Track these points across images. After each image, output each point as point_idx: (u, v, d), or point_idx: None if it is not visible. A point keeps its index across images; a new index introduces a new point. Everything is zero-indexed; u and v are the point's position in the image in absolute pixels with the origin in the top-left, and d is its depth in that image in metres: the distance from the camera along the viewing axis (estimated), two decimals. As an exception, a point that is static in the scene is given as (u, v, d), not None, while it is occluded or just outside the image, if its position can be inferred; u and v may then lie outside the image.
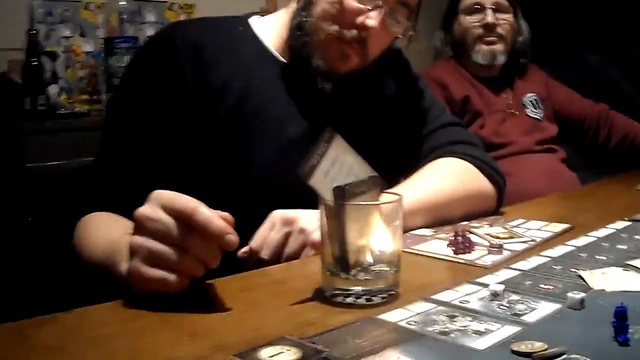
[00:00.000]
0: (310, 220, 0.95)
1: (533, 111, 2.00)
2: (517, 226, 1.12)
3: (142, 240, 0.70)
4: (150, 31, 2.58)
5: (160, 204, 0.70)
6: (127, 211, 1.00)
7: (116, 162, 1.06)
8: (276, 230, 0.96)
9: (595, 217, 1.20)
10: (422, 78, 1.37)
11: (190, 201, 0.69)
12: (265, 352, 0.55)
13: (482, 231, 1.06)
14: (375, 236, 0.71)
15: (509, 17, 1.97)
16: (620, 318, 0.59)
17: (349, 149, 0.73)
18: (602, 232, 1.06)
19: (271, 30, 1.21)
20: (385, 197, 0.74)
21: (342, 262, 0.71)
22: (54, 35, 2.34)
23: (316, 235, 0.92)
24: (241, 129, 1.10)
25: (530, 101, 2.02)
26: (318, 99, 1.16)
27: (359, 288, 0.71)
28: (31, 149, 1.63)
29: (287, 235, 0.95)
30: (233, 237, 0.68)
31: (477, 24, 1.94)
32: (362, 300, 0.71)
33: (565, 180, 1.88)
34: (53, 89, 2.25)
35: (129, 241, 0.73)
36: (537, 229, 1.09)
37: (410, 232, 1.07)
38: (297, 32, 1.13)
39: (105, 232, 0.93)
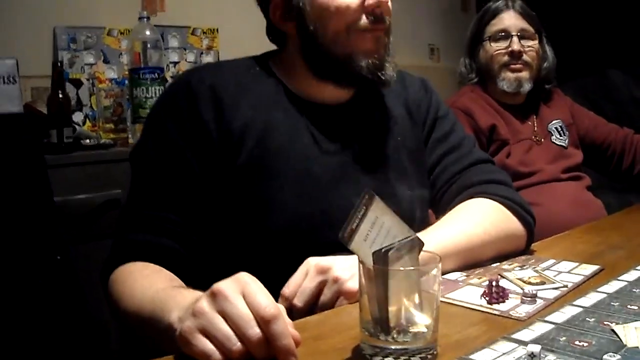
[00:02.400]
0: (344, 269, 0.96)
1: (558, 138, 2.00)
2: (548, 268, 1.12)
3: (208, 310, 0.71)
4: (174, 57, 2.61)
5: (243, 290, 0.71)
6: (160, 260, 1.02)
7: (145, 212, 1.07)
8: (310, 278, 0.96)
9: (626, 256, 1.20)
10: (451, 112, 1.38)
11: (271, 304, 0.70)
12: None
13: (514, 275, 1.07)
14: (415, 298, 0.71)
15: (534, 43, 1.97)
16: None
17: (388, 210, 0.73)
18: (633, 275, 1.06)
19: (287, 67, 1.22)
20: (423, 258, 0.75)
21: (381, 323, 0.72)
22: (77, 61, 2.37)
23: (350, 285, 0.94)
24: (262, 172, 1.11)
25: (556, 128, 2.01)
26: (340, 134, 1.17)
27: (399, 347, 0.72)
28: (57, 182, 1.64)
29: (322, 284, 0.96)
30: (290, 354, 0.69)
31: (503, 51, 1.95)
32: (401, 358, 0.71)
33: (592, 209, 1.87)
34: (77, 117, 2.28)
35: (191, 301, 0.75)
36: (568, 272, 1.09)
37: (442, 276, 1.07)
38: (323, 62, 1.15)
39: (149, 282, 0.95)
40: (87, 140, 1.98)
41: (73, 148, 1.90)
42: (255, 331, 0.68)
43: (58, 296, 1.29)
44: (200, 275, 1.00)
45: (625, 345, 0.75)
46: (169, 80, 2.46)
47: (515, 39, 1.93)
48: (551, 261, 1.17)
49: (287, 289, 0.97)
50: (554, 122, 2.02)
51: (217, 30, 2.76)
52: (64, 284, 1.31)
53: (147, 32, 2.14)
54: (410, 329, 0.72)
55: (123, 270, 1.02)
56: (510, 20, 1.96)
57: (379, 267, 0.70)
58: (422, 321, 0.73)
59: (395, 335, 0.72)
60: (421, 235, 1.04)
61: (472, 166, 1.29)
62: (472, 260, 1.12)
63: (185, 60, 2.66)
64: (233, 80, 1.15)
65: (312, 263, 0.98)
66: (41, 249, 1.32)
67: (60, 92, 1.94)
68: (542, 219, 1.69)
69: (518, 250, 1.23)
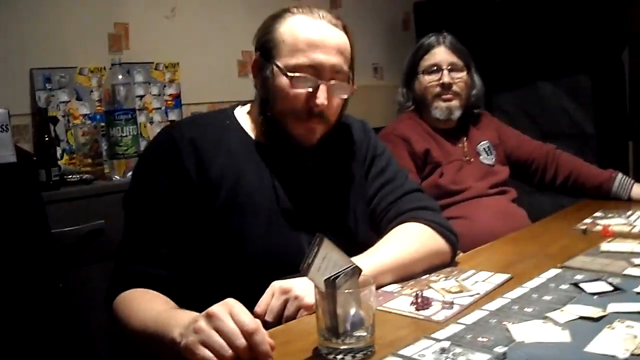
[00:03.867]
0: (302, 288, 1.22)
1: (486, 157, 2.29)
2: (467, 278, 1.39)
3: (205, 327, 0.97)
4: (139, 91, 2.83)
5: (230, 312, 0.97)
6: (155, 286, 1.27)
7: (141, 247, 1.32)
8: (276, 298, 1.22)
9: (534, 265, 1.48)
10: (387, 149, 1.64)
11: (252, 321, 0.96)
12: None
13: (439, 285, 1.34)
14: (355, 311, 0.98)
15: (463, 75, 2.25)
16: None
17: (334, 247, 1.00)
18: (535, 282, 1.34)
19: (249, 120, 1.48)
20: (361, 280, 1.01)
21: (333, 330, 0.98)
22: (53, 100, 2.58)
23: (308, 300, 1.20)
24: (236, 212, 1.36)
25: (484, 148, 2.30)
26: (298, 176, 1.43)
27: (347, 347, 0.98)
28: (48, 216, 1.85)
29: (285, 302, 1.22)
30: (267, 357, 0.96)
31: (435, 83, 2.22)
32: (349, 358, 0.97)
33: (516, 219, 2.16)
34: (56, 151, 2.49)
35: (189, 320, 1.01)
36: (483, 281, 1.37)
37: (381, 289, 1.34)
38: (268, 126, 1.41)
39: (151, 306, 1.20)
40: (71, 176, 2.19)
41: (60, 184, 2.12)
42: (242, 341, 0.94)
43: (63, 319, 1.52)
44: (189, 297, 1.25)
45: (514, 340, 1.03)
46: (139, 117, 2.69)
47: (445, 72, 2.21)
48: (471, 272, 1.44)
49: (259, 308, 1.22)
50: (482, 143, 2.31)
51: (178, 64, 3.00)
52: (68, 308, 1.54)
53: (120, 77, 2.38)
54: (354, 334, 0.99)
55: (126, 296, 1.27)
56: (441, 55, 2.24)
57: (329, 291, 0.96)
58: (361, 327, 0.99)
59: (343, 339, 0.98)
60: (364, 256, 1.34)
61: (405, 195, 1.56)
62: (406, 275, 1.39)
63: (150, 93, 2.89)
64: (209, 135, 1.40)
65: (277, 286, 1.24)
66: (45, 279, 1.54)
67: (46, 135, 2.16)
68: (472, 231, 1.99)
69: (444, 264, 1.50)
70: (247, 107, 1.51)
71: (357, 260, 1.32)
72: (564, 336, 1.03)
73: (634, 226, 1.81)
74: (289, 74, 1.34)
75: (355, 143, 1.57)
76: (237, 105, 1.53)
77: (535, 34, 3.47)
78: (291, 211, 1.41)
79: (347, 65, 1.39)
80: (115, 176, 2.40)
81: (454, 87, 2.22)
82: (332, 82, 1.37)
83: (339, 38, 1.39)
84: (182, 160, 1.35)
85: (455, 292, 1.29)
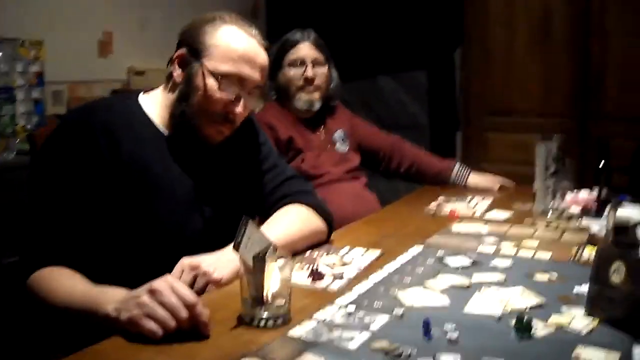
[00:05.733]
0: (210, 264, 1.32)
1: (341, 145, 2.49)
2: (345, 254, 1.56)
3: (149, 302, 1.05)
4: (5, 67, 2.73)
5: (172, 287, 1.06)
6: (66, 264, 1.30)
7: (51, 226, 1.34)
8: (185, 273, 1.31)
9: (398, 243, 1.69)
10: (268, 140, 1.77)
11: (192, 295, 1.06)
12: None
13: (324, 261, 1.49)
14: (275, 283, 1.10)
15: (324, 69, 2.41)
16: (426, 325, 1.04)
17: (256, 229, 1.12)
18: (405, 257, 1.54)
19: (155, 108, 1.53)
20: (279, 256, 1.14)
21: (258, 300, 1.10)
22: None
23: (216, 275, 1.30)
24: (144, 195, 1.43)
25: (339, 137, 2.50)
26: (199, 165, 1.52)
27: (269, 314, 1.10)
28: None
29: (195, 277, 1.31)
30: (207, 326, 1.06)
31: (299, 76, 2.37)
32: (270, 323, 1.09)
33: (369, 201, 2.39)
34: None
35: (123, 296, 1.10)
36: (360, 256, 1.55)
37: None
38: (180, 118, 1.48)
39: (77, 283, 1.25)
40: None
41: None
42: (184, 313, 1.04)
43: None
44: (100, 275, 1.29)
45: (405, 304, 1.21)
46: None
47: (309, 66, 2.37)
48: (346, 248, 1.62)
49: None
50: (337, 132, 2.50)
51: (43, 42, 2.90)
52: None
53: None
54: (275, 303, 1.11)
55: (42, 274, 1.30)
56: (305, 50, 2.39)
57: (258, 265, 1.08)
58: (280, 296, 1.12)
59: (266, 307, 1.10)
60: None
61: (286, 180, 1.70)
62: (292, 252, 1.53)
63: (16, 70, 2.79)
64: (119, 120, 1.45)
65: (186, 262, 1.33)
66: None
67: None
68: (332, 212, 2.15)
69: (322, 241, 1.67)
70: (152, 95, 1.56)
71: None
72: (444, 300, 1.23)
73: (475, 210, 2.09)
74: (218, 77, 1.44)
75: (243, 133, 1.67)
76: (139, 93, 1.57)
77: (376, 30, 3.75)
78: (192, 196, 1.50)
79: (262, 82, 1.53)
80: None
81: (316, 81, 2.38)
82: (250, 95, 1.49)
83: (265, 59, 1.52)
84: (96, 141, 1.39)
85: (341, 266, 1.46)
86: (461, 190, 2.51)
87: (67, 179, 1.37)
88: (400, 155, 2.63)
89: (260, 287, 1.09)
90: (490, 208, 2.14)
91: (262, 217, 1.65)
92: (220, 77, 1.44)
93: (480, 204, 2.21)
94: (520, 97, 3.72)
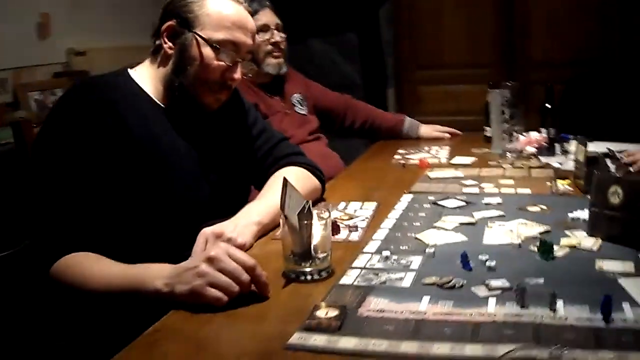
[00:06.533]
0: (231, 231, 1.37)
1: (300, 108, 2.57)
2: (345, 208, 1.66)
3: (210, 270, 1.09)
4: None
5: (228, 252, 1.11)
6: (89, 248, 1.32)
7: (68, 209, 1.33)
8: (210, 242, 1.34)
9: (386, 193, 1.80)
10: (252, 107, 1.83)
11: (250, 259, 1.11)
12: (320, 312, 1.01)
13: (332, 216, 1.59)
14: (317, 238, 1.20)
15: (284, 35, 2.48)
16: (464, 258, 1.17)
17: (294, 189, 1.20)
18: (402, 205, 1.66)
19: (149, 82, 1.54)
20: (319, 213, 1.22)
21: (304, 255, 1.18)
22: None
23: (240, 240, 1.36)
24: (154, 166, 1.44)
25: (297, 100, 2.58)
26: (200, 135, 1.56)
27: (313, 269, 1.19)
28: None
29: None
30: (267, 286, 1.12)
31: (267, 42, 2.41)
32: (317, 276, 1.19)
33: (334, 160, 2.50)
34: None
35: (172, 270, 1.13)
36: (360, 209, 1.65)
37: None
38: (178, 90, 1.50)
39: (110, 265, 1.27)
40: None
41: None
42: (246, 276, 1.10)
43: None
44: (120, 255, 1.31)
45: (429, 244, 1.32)
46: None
47: (275, 32, 2.42)
48: (343, 204, 1.72)
49: (198, 255, 1.30)
50: (294, 95, 2.58)
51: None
52: None
53: None
54: (319, 256, 1.20)
55: (68, 261, 1.29)
56: (267, 17, 2.43)
57: (304, 221, 1.16)
58: (323, 250, 1.21)
59: (312, 262, 1.19)
60: (260, 200, 1.54)
61: (278, 143, 1.77)
62: None
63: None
64: (119, 97, 1.45)
65: (209, 232, 1.36)
66: None
67: None
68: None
69: (319, 198, 1.76)
70: (142, 70, 1.56)
71: (256, 203, 1.54)
72: (460, 237, 1.36)
73: (439, 157, 2.24)
74: (215, 45, 1.46)
75: (231, 101, 1.72)
76: (125, 69, 1.58)
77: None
78: (198, 164, 1.54)
79: (253, 46, 1.58)
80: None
81: (281, 45, 2.45)
82: (244, 60, 1.53)
83: (253, 24, 1.56)
84: (103, 119, 1.39)
85: (349, 219, 1.56)
86: (415, 141, 2.65)
87: (78, 160, 1.36)
88: (354, 113, 2.74)
89: (306, 243, 1.18)
90: (451, 155, 2.29)
91: (259, 179, 1.71)
92: (216, 45, 1.48)
93: (441, 152, 2.36)
94: (449, 51, 3.91)
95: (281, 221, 1.21)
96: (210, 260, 1.11)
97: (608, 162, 1.67)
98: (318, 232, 1.21)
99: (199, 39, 1.47)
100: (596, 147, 1.82)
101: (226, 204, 1.56)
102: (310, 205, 1.20)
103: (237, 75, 1.53)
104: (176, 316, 1.08)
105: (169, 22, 1.50)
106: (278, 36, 2.42)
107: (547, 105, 2.31)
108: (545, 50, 3.74)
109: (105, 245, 1.34)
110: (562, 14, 3.71)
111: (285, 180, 1.21)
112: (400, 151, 2.43)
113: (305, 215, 1.17)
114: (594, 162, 1.63)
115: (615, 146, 1.96)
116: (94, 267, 1.28)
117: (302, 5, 3.81)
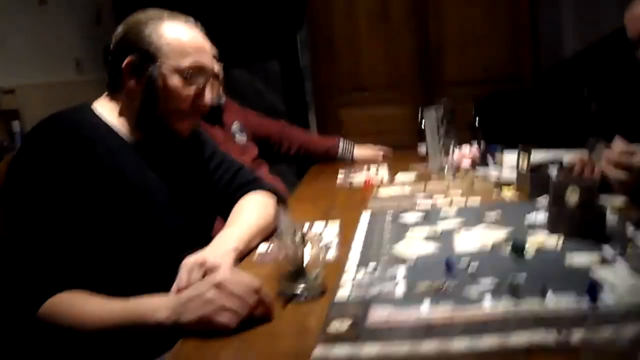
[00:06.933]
0: (214, 257, 1.39)
1: (240, 136, 2.63)
2: (310, 228, 1.73)
3: (220, 296, 1.12)
4: None
5: (235, 277, 1.15)
6: (76, 287, 1.32)
7: (51, 249, 1.32)
8: (196, 271, 1.34)
9: (343, 212, 1.88)
10: (210, 139, 1.87)
11: (256, 280, 1.15)
12: (333, 325, 1.07)
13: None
14: (308, 258, 1.26)
15: (220, 64, 2.51)
16: (449, 264, 1.26)
17: (286, 214, 1.27)
18: (363, 223, 1.73)
19: (114, 118, 1.54)
20: (310, 237, 1.29)
21: (298, 273, 1.24)
22: None
23: (224, 267, 1.38)
24: (127, 201, 1.45)
25: (237, 128, 2.63)
26: (164, 167, 1.58)
27: (308, 286, 1.25)
28: None
29: (205, 273, 1.34)
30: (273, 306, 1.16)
31: None
32: (313, 293, 1.24)
33: (279, 185, 2.54)
34: None
35: (175, 302, 1.16)
36: (325, 227, 1.72)
37: (257, 251, 1.60)
38: (151, 124, 1.53)
39: (103, 302, 1.26)
40: None
41: None
42: (254, 297, 1.14)
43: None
44: (106, 291, 1.31)
45: (407, 254, 1.41)
46: None
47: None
48: (307, 224, 1.78)
49: (181, 285, 1.30)
50: (234, 124, 2.64)
51: None
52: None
53: None
54: (312, 275, 1.26)
55: (58, 300, 1.28)
56: None
57: (299, 244, 1.23)
58: (316, 269, 1.27)
59: (307, 279, 1.25)
60: (232, 226, 1.59)
61: (238, 171, 1.82)
62: (265, 235, 1.66)
63: None
64: (87, 132, 1.45)
65: (191, 260, 1.36)
66: None
67: None
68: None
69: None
70: (105, 106, 1.56)
71: (230, 230, 1.58)
72: (433, 246, 1.46)
73: (383, 177, 2.35)
74: (186, 74, 1.49)
75: (193, 134, 1.76)
76: (86, 104, 1.57)
77: (224, 24, 3.86)
78: (169, 197, 1.56)
79: (216, 70, 1.62)
80: None
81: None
82: (211, 85, 1.58)
83: (211, 47, 1.60)
84: (74, 155, 1.39)
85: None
86: (349, 163, 2.76)
87: (55, 198, 1.35)
88: (289, 139, 2.83)
89: (300, 263, 1.24)
90: (392, 173, 2.40)
91: (224, 207, 1.74)
92: (184, 73, 1.50)
93: (380, 171, 2.47)
94: (369, 75, 4.08)
95: (275, 245, 1.26)
96: (219, 286, 1.13)
97: (549, 168, 1.82)
98: (308, 252, 1.27)
99: (165, 70, 1.49)
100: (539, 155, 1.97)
101: (197, 233, 1.60)
102: (301, 229, 1.27)
103: (209, 99, 1.56)
104: (188, 345, 1.10)
105: (129, 58, 1.50)
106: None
107: (476, 120, 2.47)
108: (460, 69, 3.97)
109: (87, 281, 1.34)
110: (474, 35, 3.96)
111: (279, 210, 1.27)
112: (341, 171, 2.52)
113: (299, 239, 1.24)
114: (536, 168, 1.78)
115: (543, 154, 2.14)
116: (86, 305, 1.28)
117: (222, 35, 3.86)
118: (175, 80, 1.50)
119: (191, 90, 1.52)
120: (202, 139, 1.80)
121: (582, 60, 3.68)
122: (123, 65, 1.50)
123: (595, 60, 3.51)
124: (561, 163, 1.90)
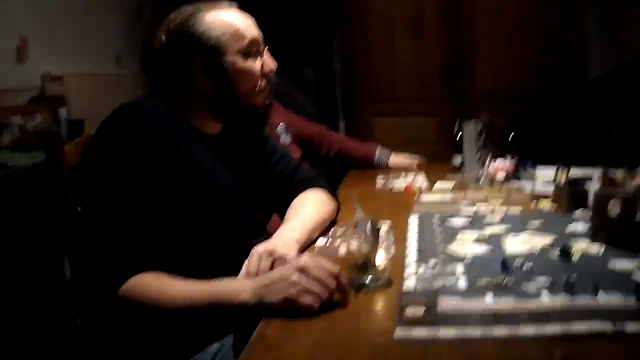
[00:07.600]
0: (282, 247, 1.52)
1: (285, 138, 2.77)
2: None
3: (303, 279, 1.24)
4: None
5: (317, 262, 1.27)
6: (154, 268, 1.42)
7: (132, 230, 1.41)
8: (264, 260, 1.46)
9: (391, 214, 2.00)
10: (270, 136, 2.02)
11: (335, 267, 1.28)
12: (409, 310, 1.21)
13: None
14: (381, 250, 1.40)
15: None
16: (504, 263, 1.40)
17: (360, 209, 1.41)
18: (413, 225, 1.87)
19: (190, 108, 1.65)
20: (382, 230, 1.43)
21: (368, 266, 1.38)
22: None
23: (290, 256, 1.48)
24: (200, 189, 1.56)
25: (282, 130, 2.78)
26: (232, 159, 1.72)
27: (376, 276, 1.39)
28: None
29: (273, 262, 1.46)
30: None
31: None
32: (382, 283, 1.38)
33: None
34: None
35: (256, 283, 1.29)
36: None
37: (317, 244, 1.73)
38: (224, 112, 1.68)
39: (182, 283, 1.37)
40: None
41: None
42: (334, 282, 1.27)
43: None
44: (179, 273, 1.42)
45: (463, 254, 1.55)
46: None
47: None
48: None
49: (251, 272, 1.44)
50: (280, 125, 2.79)
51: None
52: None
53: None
54: (380, 267, 1.40)
55: (139, 280, 1.37)
56: None
57: (374, 235, 1.37)
58: (385, 261, 1.41)
59: (376, 270, 1.39)
60: (293, 219, 1.73)
61: (297, 167, 1.97)
62: (322, 230, 1.81)
63: None
64: (166, 121, 1.54)
65: (261, 249, 1.49)
66: None
67: None
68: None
69: (334, 219, 1.94)
70: (183, 100, 1.65)
71: (293, 222, 1.72)
72: (485, 247, 1.59)
73: (420, 184, 2.49)
74: (246, 52, 1.64)
75: (253, 130, 1.90)
76: (158, 101, 1.64)
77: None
78: (235, 188, 1.69)
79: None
80: None
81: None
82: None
83: (248, 15, 1.70)
84: (154, 141, 1.47)
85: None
86: (386, 169, 2.90)
87: (133, 181, 1.43)
88: (329, 142, 2.98)
89: (372, 255, 1.38)
90: (431, 181, 2.54)
91: (282, 199, 1.88)
92: (246, 51, 1.64)
93: (419, 178, 2.61)
94: (400, 86, 4.23)
95: (353, 235, 1.40)
96: (302, 270, 1.26)
97: (586, 184, 1.96)
98: (380, 244, 1.41)
99: (231, 58, 1.61)
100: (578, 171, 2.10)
101: (259, 223, 1.74)
102: (373, 222, 1.41)
103: (270, 65, 1.70)
104: (273, 326, 1.20)
105: (198, 62, 1.59)
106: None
107: (510, 134, 2.61)
108: (488, 85, 4.12)
109: (160, 263, 1.42)
110: (505, 50, 4.11)
111: (356, 203, 1.41)
112: (380, 178, 2.66)
113: (373, 231, 1.38)
114: (574, 183, 1.92)
115: (577, 170, 2.28)
116: (166, 286, 1.37)
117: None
118: (242, 62, 1.63)
119: (257, 63, 1.67)
120: (263, 134, 1.94)
121: (606, 82, 3.81)
122: (193, 67, 1.61)
123: (619, 84, 3.65)
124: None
